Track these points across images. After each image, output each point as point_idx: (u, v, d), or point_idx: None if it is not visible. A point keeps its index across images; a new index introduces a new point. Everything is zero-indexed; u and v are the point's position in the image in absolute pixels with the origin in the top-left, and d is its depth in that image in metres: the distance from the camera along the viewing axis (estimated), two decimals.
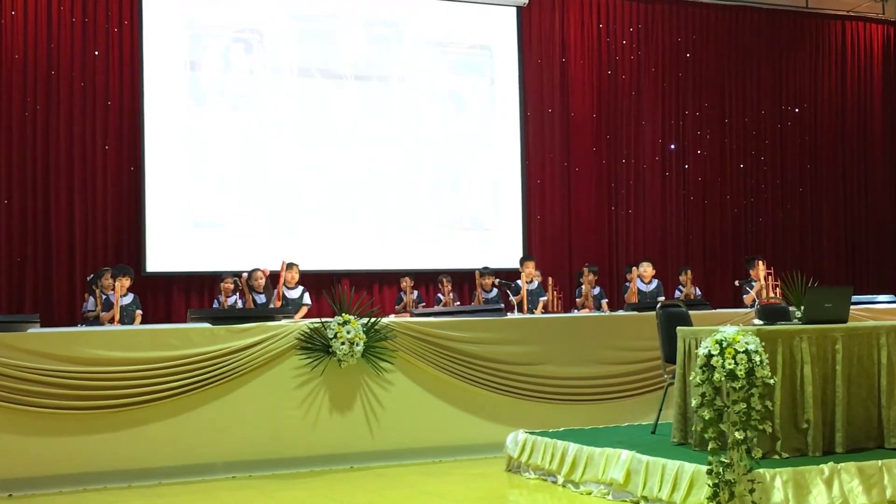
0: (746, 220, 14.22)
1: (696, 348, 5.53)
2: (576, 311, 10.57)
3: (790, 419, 5.71)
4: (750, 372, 5.06)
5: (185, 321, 9.13)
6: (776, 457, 5.58)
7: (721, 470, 5.01)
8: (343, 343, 7.01)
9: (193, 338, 6.84)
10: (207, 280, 11.17)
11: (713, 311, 8.94)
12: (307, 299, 10.07)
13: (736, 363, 5.05)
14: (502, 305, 9.05)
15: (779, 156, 14.48)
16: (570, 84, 13.27)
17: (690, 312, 7.07)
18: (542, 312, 10.21)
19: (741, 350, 5.08)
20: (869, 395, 5.95)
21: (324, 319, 7.18)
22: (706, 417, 5.13)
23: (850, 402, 5.88)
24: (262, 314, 7.46)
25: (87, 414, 6.52)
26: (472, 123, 12.68)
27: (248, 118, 11.66)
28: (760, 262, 10.52)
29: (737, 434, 5.00)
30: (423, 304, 11.15)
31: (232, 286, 10.02)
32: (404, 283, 11.09)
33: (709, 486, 5.07)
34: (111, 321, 9.01)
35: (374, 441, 7.25)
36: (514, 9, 12.97)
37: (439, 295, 11.22)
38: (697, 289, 11.40)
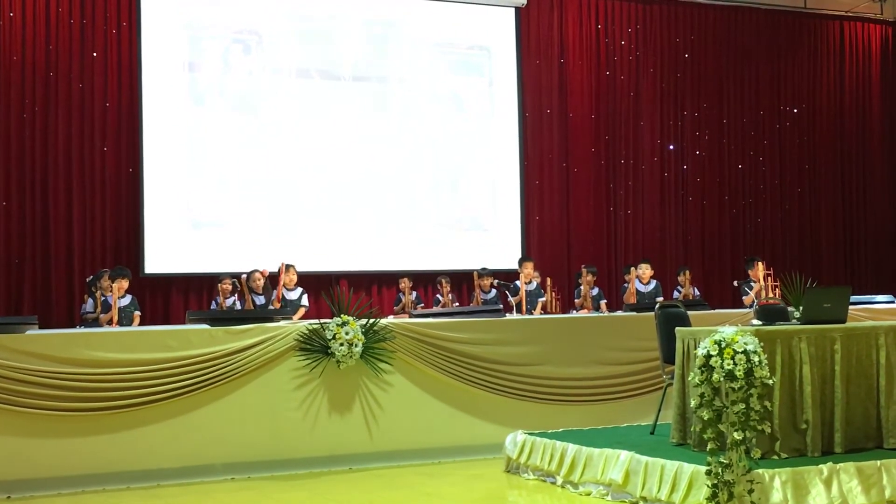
0: (745, 220, 14.23)
1: (695, 349, 5.53)
2: (574, 311, 10.57)
3: (789, 419, 5.71)
4: (749, 372, 5.06)
5: (183, 322, 9.14)
6: (775, 457, 5.58)
7: (720, 470, 5.01)
8: (342, 344, 7.01)
9: (192, 339, 6.84)
10: (206, 281, 11.16)
11: (712, 311, 8.95)
12: (305, 301, 10.07)
13: (735, 363, 5.06)
14: (501, 306, 9.05)
15: (777, 156, 14.48)
16: (568, 85, 13.27)
17: (689, 313, 7.08)
18: (541, 313, 10.21)
19: (740, 350, 5.09)
20: (868, 396, 5.96)
21: (322, 321, 7.18)
22: (705, 418, 5.13)
23: (849, 402, 5.88)
24: (261, 315, 7.46)
25: (86, 416, 6.52)
26: (471, 124, 12.68)
27: (247, 119, 11.66)
28: (760, 263, 10.52)
29: (736, 434, 5.00)
30: (422, 304, 11.14)
31: (230, 287, 10.01)
32: (403, 284, 11.08)
33: (708, 486, 5.07)
34: (109, 323, 9.01)
35: (373, 442, 7.25)
36: (513, 9, 12.97)
37: (438, 296, 11.22)
38: (696, 289, 11.40)
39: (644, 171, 13.62)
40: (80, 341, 6.62)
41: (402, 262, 11.94)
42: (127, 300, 9.51)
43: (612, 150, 13.47)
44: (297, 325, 7.15)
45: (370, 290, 11.93)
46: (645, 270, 10.81)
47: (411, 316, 8.21)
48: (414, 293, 11.13)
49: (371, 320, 7.23)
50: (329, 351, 7.04)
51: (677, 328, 6.36)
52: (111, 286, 9.26)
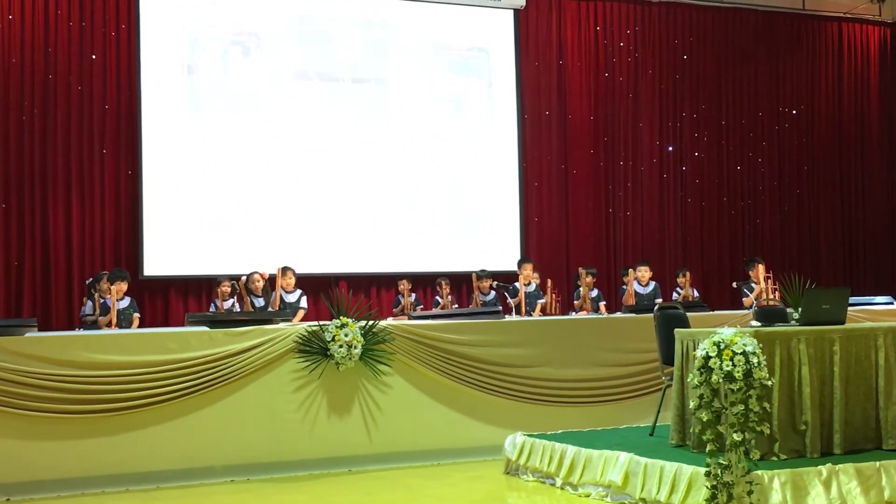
0: (744, 221, 14.23)
1: (694, 350, 5.54)
2: (574, 313, 10.58)
3: (788, 421, 5.71)
4: (748, 373, 5.06)
5: (182, 325, 9.14)
6: (774, 458, 5.59)
7: (719, 471, 5.01)
8: (341, 346, 7.01)
9: (191, 341, 6.84)
10: (205, 283, 11.15)
11: (711, 312, 8.95)
12: (304, 303, 10.06)
13: (734, 365, 5.06)
14: (500, 308, 9.04)
15: (776, 157, 14.49)
16: (567, 86, 13.27)
17: (688, 314, 7.09)
18: (541, 315, 10.21)
19: (739, 352, 5.09)
20: (867, 397, 5.96)
21: (322, 323, 7.18)
22: (704, 419, 5.13)
23: (848, 403, 5.88)
24: (260, 318, 7.46)
25: (85, 418, 6.52)
26: (470, 126, 12.68)
27: (246, 121, 11.66)
28: (760, 265, 10.51)
29: (735, 436, 5.01)
30: (421, 306, 11.14)
31: (229, 290, 10.01)
32: (402, 286, 11.08)
33: (707, 487, 5.07)
34: (109, 325, 9.00)
35: (373, 444, 7.25)
36: (511, 11, 12.97)
37: (437, 297, 11.22)
38: (695, 290, 11.40)
39: (643, 172, 13.62)
40: (79, 344, 6.61)
41: (401, 263, 11.94)
42: (126, 302, 9.51)
43: (610, 152, 13.48)
44: (296, 328, 7.15)
45: (369, 292, 11.93)
46: (644, 272, 10.81)
47: (410, 318, 8.22)
48: (413, 295, 11.13)
49: (370, 322, 7.23)
50: (328, 353, 7.05)
51: (676, 329, 6.36)
52: (110, 288, 9.26)
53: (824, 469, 5.27)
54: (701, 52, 14.09)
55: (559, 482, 6.30)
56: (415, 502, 6.13)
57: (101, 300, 9.36)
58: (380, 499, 6.24)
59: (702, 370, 5.18)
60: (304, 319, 9.41)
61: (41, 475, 6.43)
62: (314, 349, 7.08)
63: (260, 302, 9.80)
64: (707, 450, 5.11)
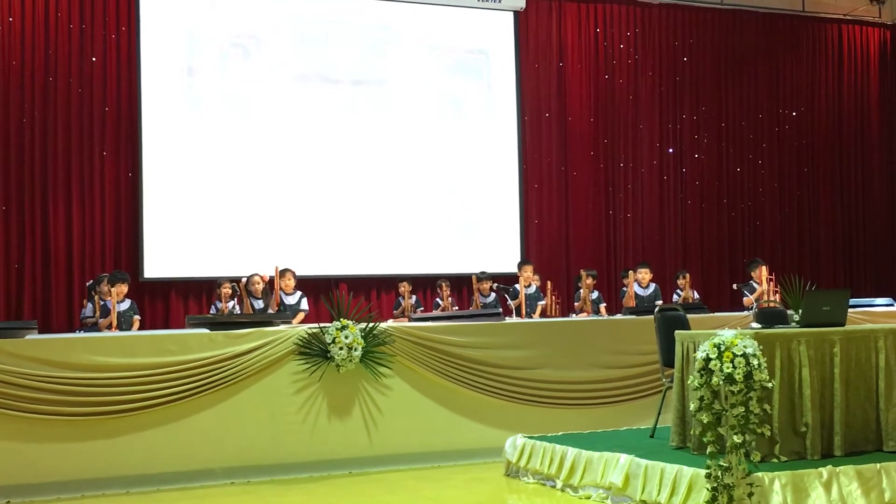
0: (744, 223, 14.23)
1: (695, 352, 5.53)
2: (574, 315, 10.58)
3: (788, 422, 5.71)
4: (748, 375, 5.06)
5: (183, 327, 9.14)
6: (775, 460, 5.59)
7: (720, 473, 5.01)
8: (341, 348, 7.01)
9: (191, 343, 6.84)
10: (205, 285, 11.15)
11: (711, 314, 8.95)
12: (304, 305, 10.07)
13: (734, 367, 5.06)
14: (500, 310, 9.04)
15: (776, 159, 14.49)
16: (567, 88, 13.28)
17: (688, 316, 7.08)
18: (541, 316, 10.21)
19: (739, 354, 5.09)
20: (867, 398, 5.96)
21: (322, 325, 7.18)
22: (704, 421, 5.13)
23: (849, 405, 5.88)
24: (260, 319, 7.46)
25: (86, 420, 6.51)
26: (470, 127, 12.69)
27: (246, 123, 11.66)
28: (763, 266, 10.50)
29: (735, 438, 5.00)
30: (422, 308, 11.14)
31: (230, 291, 10.01)
32: (402, 288, 11.08)
33: (707, 489, 5.07)
34: (109, 327, 9.00)
35: (373, 446, 7.24)
36: (511, 13, 12.98)
37: (438, 300, 11.22)
38: (695, 292, 11.41)
39: (643, 174, 13.63)
40: (79, 346, 6.62)
41: (402, 265, 11.94)
42: (126, 304, 9.51)
43: (610, 154, 13.48)
44: (296, 330, 7.15)
45: (369, 294, 11.93)
46: (644, 274, 10.81)
47: (411, 320, 8.22)
48: (413, 297, 11.13)
49: (370, 324, 7.23)
50: (329, 355, 7.05)
51: (677, 331, 6.36)
52: (111, 291, 9.27)
53: (825, 471, 5.27)
54: (701, 54, 14.10)
55: (560, 484, 6.30)
56: None
57: (102, 302, 9.36)
58: (380, 501, 6.24)
59: (702, 372, 5.18)
60: (304, 321, 9.40)
61: (41, 477, 6.42)
62: (315, 351, 7.08)
63: (260, 304, 9.80)
64: (707, 452, 5.10)
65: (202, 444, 6.80)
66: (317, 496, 6.42)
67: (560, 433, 7.05)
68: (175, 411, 6.74)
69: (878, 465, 5.44)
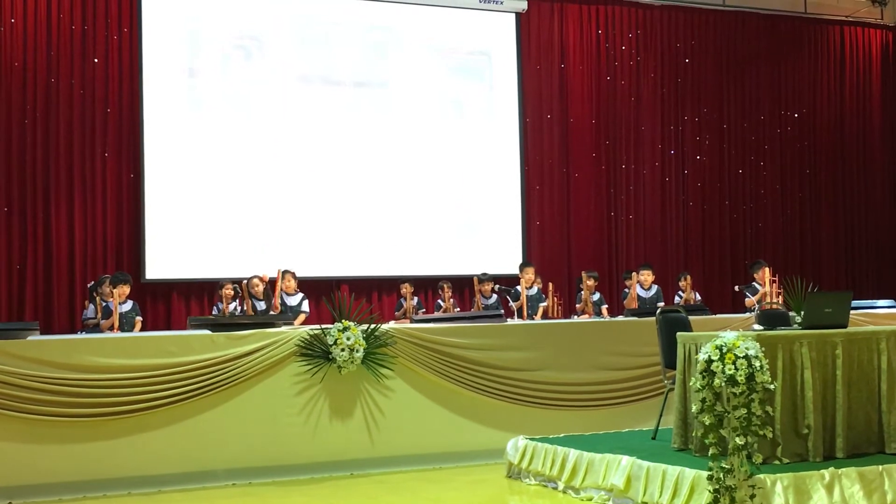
0: (746, 225, 14.23)
1: (696, 354, 5.53)
2: (575, 316, 10.57)
3: (791, 424, 5.71)
4: (750, 377, 5.05)
5: (185, 328, 9.14)
6: (777, 462, 5.58)
7: (722, 475, 5.00)
8: (343, 349, 7.01)
9: (193, 345, 6.84)
10: (207, 287, 11.15)
11: (713, 316, 8.95)
12: (306, 307, 10.07)
13: (736, 368, 5.05)
14: (502, 311, 9.04)
15: (778, 161, 14.49)
16: (569, 90, 13.28)
17: (690, 318, 7.08)
18: (542, 318, 10.21)
19: (741, 355, 5.08)
20: (869, 400, 5.95)
21: (324, 326, 7.17)
22: (706, 423, 5.12)
23: (851, 407, 5.87)
24: (262, 321, 7.46)
25: (87, 421, 6.51)
26: (472, 129, 12.69)
27: (248, 125, 11.67)
28: (766, 268, 10.49)
29: (737, 439, 5.00)
30: (423, 310, 11.15)
31: (232, 293, 10.02)
32: (404, 290, 11.09)
33: (709, 491, 5.06)
34: (111, 328, 9.01)
35: (375, 447, 7.24)
36: (513, 15, 12.99)
37: (439, 301, 11.22)
38: (697, 294, 11.40)
39: (645, 175, 13.62)
40: (81, 347, 6.62)
41: (404, 267, 11.94)
42: (128, 306, 9.51)
43: (612, 155, 13.48)
44: (298, 331, 7.15)
45: (371, 296, 11.92)
46: (646, 275, 10.80)
47: (412, 321, 8.22)
48: (415, 298, 11.14)
49: (372, 325, 7.22)
50: (330, 356, 7.04)
51: (678, 333, 6.36)
52: (112, 292, 9.26)
53: (827, 473, 5.26)
54: (703, 55, 14.10)
55: (561, 486, 6.30)
56: None
57: (103, 303, 9.36)
58: (382, 502, 6.24)
59: (704, 374, 5.17)
60: (305, 323, 9.40)
61: (43, 478, 6.42)
62: (316, 352, 7.07)
63: (261, 305, 9.80)
64: (709, 453, 5.10)
65: (204, 445, 6.79)
66: (318, 497, 6.42)
67: (562, 435, 7.04)
68: (177, 412, 6.73)
69: (881, 467, 5.43)
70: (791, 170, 14.56)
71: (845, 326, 6.18)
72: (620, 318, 9.27)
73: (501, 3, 12.80)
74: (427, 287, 11.96)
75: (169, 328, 10.78)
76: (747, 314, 9.17)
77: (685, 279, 11.25)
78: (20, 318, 10.54)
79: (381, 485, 6.78)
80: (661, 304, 10.38)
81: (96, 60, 11.19)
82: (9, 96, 10.84)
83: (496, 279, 10.80)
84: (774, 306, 9.29)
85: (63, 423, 6.45)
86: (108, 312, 9.22)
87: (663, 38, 13.89)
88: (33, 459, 6.40)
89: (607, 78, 13.51)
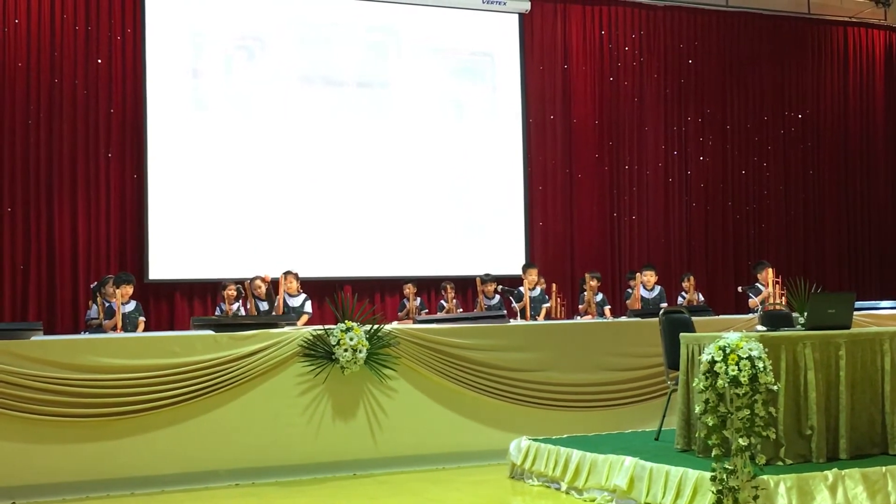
0: (749, 226, 14.22)
1: (700, 354, 5.53)
2: (578, 317, 10.57)
3: (794, 425, 5.70)
4: (753, 378, 5.05)
5: (188, 328, 9.14)
6: (780, 463, 5.57)
7: (725, 476, 5.00)
8: (346, 350, 7.01)
9: (196, 345, 6.84)
10: (210, 287, 11.16)
11: (716, 317, 8.93)
12: (308, 307, 10.06)
13: (739, 369, 5.05)
14: (505, 312, 9.03)
15: (781, 162, 14.48)
16: (572, 90, 13.28)
17: (693, 319, 7.07)
18: (545, 319, 10.20)
19: (744, 356, 5.08)
20: (873, 401, 5.94)
21: (327, 326, 7.18)
22: (710, 424, 5.12)
23: (854, 408, 5.87)
24: (265, 321, 7.46)
25: (90, 421, 6.52)
26: (474, 130, 12.69)
27: (251, 125, 11.68)
28: (770, 268, 10.48)
29: (740, 440, 4.99)
30: (426, 310, 11.15)
31: (235, 293, 10.02)
32: (407, 290, 11.09)
33: (712, 492, 5.06)
34: (114, 329, 9.02)
35: (378, 448, 7.24)
36: (516, 16, 12.99)
37: (442, 301, 11.22)
38: (700, 295, 11.39)
39: (648, 176, 13.62)
40: (84, 347, 6.62)
41: (406, 267, 11.94)
42: (132, 306, 9.52)
43: (615, 156, 13.48)
44: (301, 331, 7.15)
45: (374, 296, 11.92)
46: (649, 276, 10.79)
47: (415, 322, 8.22)
48: (418, 299, 11.14)
49: (375, 326, 7.22)
50: (333, 357, 7.04)
51: (681, 334, 6.35)
52: (115, 292, 9.27)
53: (830, 474, 5.26)
54: (706, 56, 14.09)
55: (564, 487, 6.30)
56: None
57: (106, 304, 9.37)
58: (384, 503, 6.24)
59: (707, 375, 5.17)
60: (309, 323, 9.40)
61: (46, 478, 6.43)
62: (319, 353, 7.08)
63: (264, 306, 9.81)
64: (712, 454, 5.09)
65: (207, 445, 6.80)
66: (321, 498, 6.42)
67: (564, 435, 7.04)
68: (180, 413, 6.74)
69: (884, 468, 5.42)
70: (794, 170, 14.55)
71: (849, 327, 6.17)
72: (623, 318, 9.26)
73: (504, 3, 12.80)
74: (430, 288, 11.96)
75: (172, 328, 10.79)
76: (750, 315, 9.16)
77: (688, 280, 11.24)
78: (24, 318, 10.55)
79: (384, 485, 6.78)
80: (664, 304, 10.37)
81: (100, 61, 11.20)
82: (13, 97, 10.85)
83: (499, 280, 10.79)
84: (778, 307, 9.28)
85: (66, 424, 6.46)
86: (111, 313, 9.22)
87: (666, 39, 13.89)
88: (37, 459, 6.41)
89: (610, 79, 13.51)
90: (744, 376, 5.03)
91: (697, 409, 5.27)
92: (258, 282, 9.91)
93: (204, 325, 7.25)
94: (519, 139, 12.89)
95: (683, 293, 11.21)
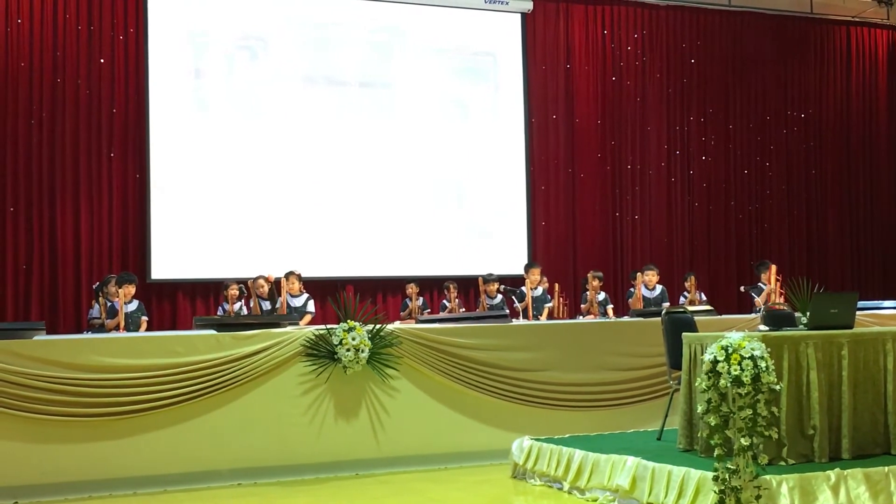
0: (751, 225, 14.21)
1: (702, 354, 5.53)
2: (581, 317, 10.56)
3: (796, 425, 5.70)
4: (756, 378, 5.05)
5: (190, 328, 9.15)
6: (782, 463, 5.57)
7: (727, 476, 5.00)
8: (348, 350, 7.01)
9: (198, 345, 6.84)
10: (213, 287, 11.17)
11: (718, 317, 8.92)
12: (311, 307, 10.07)
13: (742, 369, 5.04)
14: (507, 312, 9.03)
15: (784, 161, 14.46)
16: (574, 90, 13.27)
17: (696, 318, 7.07)
18: (548, 318, 10.20)
19: (747, 356, 5.07)
20: (875, 401, 5.94)
21: (329, 326, 7.18)
22: (712, 423, 5.12)
23: (857, 408, 5.86)
24: (268, 321, 7.46)
25: (93, 421, 6.52)
26: (477, 130, 12.69)
27: (253, 125, 11.68)
28: (773, 266, 10.46)
29: (743, 440, 4.99)
30: (429, 310, 11.14)
31: (237, 293, 10.03)
32: (409, 290, 11.09)
33: (715, 492, 5.06)
34: (116, 328, 9.02)
35: (380, 448, 7.24)
36: (519, 15, 12.98)
37: (445, 301, 11.22)
38: (703, 294, 11.38)
39: (650, 176, 13.61)
40: (87, 347, 6.63)
41: (409, 267, 11.94)
42: (134, 306, 9.53)
43: (618, 156, 13.47)
44: (303, 331, 7.15)
45: (376, 296, 11.92)
46: (651, 276, 10.79)
47: (418, 321, 8.21)
48: (420, 299, 11.14)
49: (377, 326, 7.23)
50: (335, 356, 7.05)
51: (684, 334, 6.35)
52: (118, 292, 9.28)
53: (832, 474, 5.25)
54: (708, 55, 14.08)
55: (566, 486, 6.30)
56: None
57: (109, 303, 9.38)
58: (387, 503, 6.24)
59: (710, 374, 5.16)
60: (311, 323, 9.41)
61: (48, 478, 6.43)
62: (321, 353, 7.08)
63: (267, 305, 9.81)
64: (715, 454, 5.09)
65: (209, 445, 6.80)
66: (323, 498, 6.42)
67: (567, 435, 7.04)
68: (182, 412, 6.74)
69: (886, 468, 5.42)
70: (797, 170, 14.53)
71: (851, 327, 6.16)
72: (626, 318, 9.26)
73: (507, 3, 12.80)
74: (432, 287, 11.95)
75: (174, 328, 10.80)
76: (753, 315, 9.15)
77: (690, 279, 11.23)
78: (26, 317, 10.56)
79: (386, 485, 6.78)
80: (667, 304, 10.37)
81: (102, 61, 11.20)
82: (15, 96, 10.86)
83: (501, 279, 10.78)
84: (777, 306, 9.27)
85: (69, 423, 6.47)
86: (113, 312, 9.23)
87: (669, 39, 13.88)
88: (39, 459, 6.41)
89: (613, 78, 13.50)
90: (746, 376, 5.03)
91: (700, 408, 5.27)
92: (261, 281, 9.91)
93: (206, 324, 7.26)
94: (521, 139, 12.89)
95: (686, 293, 11.21)
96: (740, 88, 14.23)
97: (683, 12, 13.98)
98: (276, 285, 9.90)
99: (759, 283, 10.74)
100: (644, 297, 10.62)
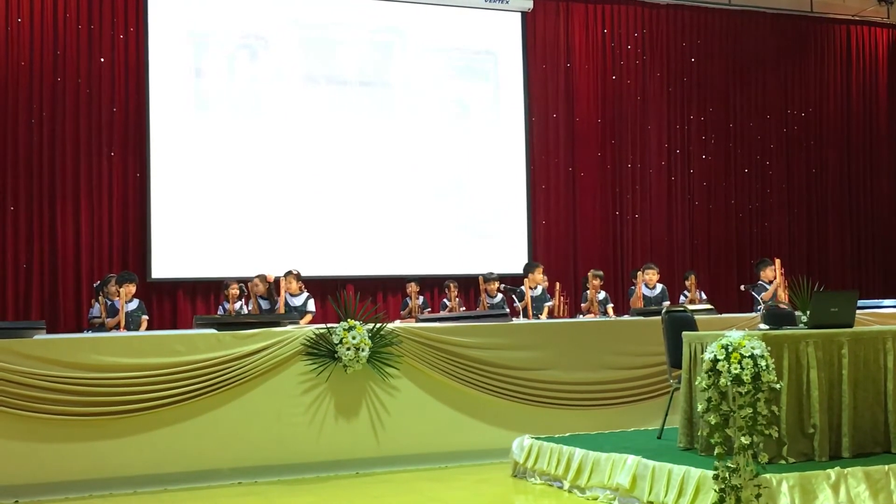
0: (752, 224, 14.20)
1: (702, 353, 5.53)
2: (581, 316, 10.56)
3: (796, 424, 5.70)
4: (756, 377, 5.05)
5: (190, 327, 9.15)
6: (782, 462, 5.57)
7: (727, 475, 5.00)
8: (349, 349, 7.01)
9: (199, 344, 6.85)
10: (213, 286, 11.17)
11: (719, 315, 8.93)
12: (311, 306, 10.07)
13: (742, 368, 5.05)
14: (507, 311, 9.03)
15: (784, 160, 14.46)
16: (574, 89, 13.27)
17: (696, 317, 7.07)
18: (548, 317, 10.20)
19: (747, 355, 5.08)
20: (875, 400, 5.94)
21: (329, 325, 7.18)
22: (712, 422, 5.12)
23: (857, 406, 5.87)
24: (268, 320, 7.47)
25: (93, 420, 6.53)
26: (477, 129, 12.69)
27: (254, 125, 11.68)
28: (774, 264, 10.45)
29: (743, 439, 4.99)
30: (429, 309, 11.14)
31: (237, 292, 10.03)
32: (410, 289, 11.08)
33: (715, 491, 5.06)
34: (116, 327, 9.02)
35: (380, 447, 7.25)
36: (519, 14, 12.98)
37: (445, 300, 11.21)
38: (703, 293, 11.38)
39: (651, 175, 13.61)
40: (87, 346, 6.63)
41: (409, 266, 11.94)
42: (134, 305, 9.53)
43: (618, 155, 13.47)
44: (304, 330, 7.16)
45: (377, 295, 11.92)
46: (651, 275, 10.79)
47: (418, 320, 8.22)
48: (421, 298, 11.13)
49: (378, 325, 7.23)
50: (336, 355, 7.05)
51: (684, 332, 6.35)
52: (118, 291, 9.29)
53: (833, 472, 5.26)
54: (709, 54, 14.07)
55: (567, 485, 6.30)
56: None
57: (109, 302, 9.38)
58: (387, 502, 6.24)
59: (710, 373, 5.17)
60: (312, 322, 9.41)
61: (49, 477, 6.44)
62: (322, 352, 7.08)
63: (267, 304, 9.81)
64: (715, 453, 5.10)
65: (209, 444, 6.81)
66: (323, 497, 6.42)
67: (567, 434, 7.05)
68: (182, 411, 6.75)
69: (887, 466, 5.42)
70: (797, 169, 14.53)
71: (851, 326, 6.17)
72: (626, 317, 9.26)
73: (507, 2, 12.79)
74: (433, 286, 11.95)
75: (175, 327, 10.80)
76: (753, 314, 9.15)
77: (691, 278, 11.22)
78: (26, 317, 10.56)
79: (387, 484, 6.79)
80: (667, 303, 10.37)
81: (102, 60, 11.20)
82: (16, 96, 10.86)
83: (502, 278, 10.78)
84: (782, 298, 9.28)
85: (69, 422, 6.47)
86: (113, 311, 9.24)
87: (669, 38, 13.87)
88: (39, 458, 6.42)
89: (613, 77, 13.50)
90: (746, 375, 5.03)
91: (700, 407, 5.27)
92: (256, 280, 9.92)
93: (207, 323, 7.26)
94: (522, 137, 12.88)
95: (686, 292, 11.20)
96: (740, 87, 14.23)
97: (684, 11, 13.98)
98: (275, 285, 9.90)
99: (760, 282, 10.74)
100: (644, 296, 10.62)
